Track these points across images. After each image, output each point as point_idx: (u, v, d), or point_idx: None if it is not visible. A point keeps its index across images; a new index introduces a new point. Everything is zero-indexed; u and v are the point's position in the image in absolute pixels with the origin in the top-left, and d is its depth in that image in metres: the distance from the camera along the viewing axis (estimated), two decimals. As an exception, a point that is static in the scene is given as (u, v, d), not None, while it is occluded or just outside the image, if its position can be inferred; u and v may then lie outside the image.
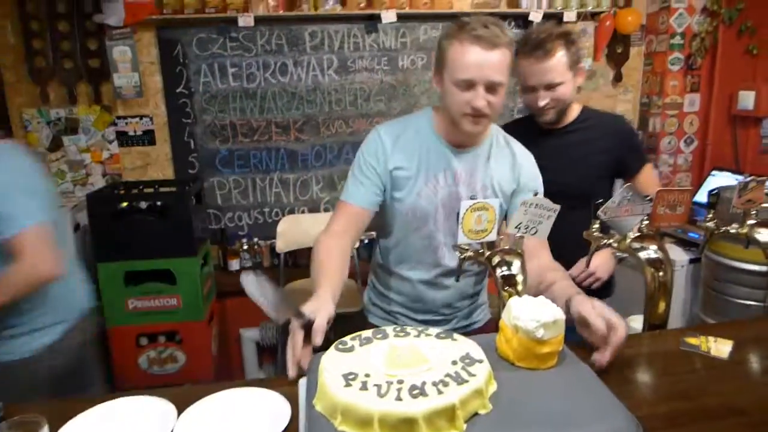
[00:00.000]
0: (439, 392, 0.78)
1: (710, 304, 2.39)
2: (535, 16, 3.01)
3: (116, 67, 2.69)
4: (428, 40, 3.01)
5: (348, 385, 0.81)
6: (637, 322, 1.45)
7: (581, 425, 0.78)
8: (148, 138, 2.90)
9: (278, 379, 1.05)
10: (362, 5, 2.82)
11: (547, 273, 1.32)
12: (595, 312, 1.07)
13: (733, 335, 1.23)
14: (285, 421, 0.92)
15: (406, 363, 0.85)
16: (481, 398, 0.81)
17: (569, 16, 3.03)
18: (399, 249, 1.48)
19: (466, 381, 0.80)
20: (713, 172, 3.11)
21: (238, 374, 3.03)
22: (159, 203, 2.47)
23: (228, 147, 2.95)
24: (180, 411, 0.96)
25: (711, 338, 1.22)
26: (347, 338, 0.97)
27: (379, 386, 0.80)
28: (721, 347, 1.19)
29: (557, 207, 1.19)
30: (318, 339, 1.02)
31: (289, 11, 2.77)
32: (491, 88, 1.26)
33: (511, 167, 1.45)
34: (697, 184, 3.19)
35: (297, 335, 1.02)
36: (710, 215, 1.48)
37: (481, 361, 0.87)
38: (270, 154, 2.98)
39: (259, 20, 2.75)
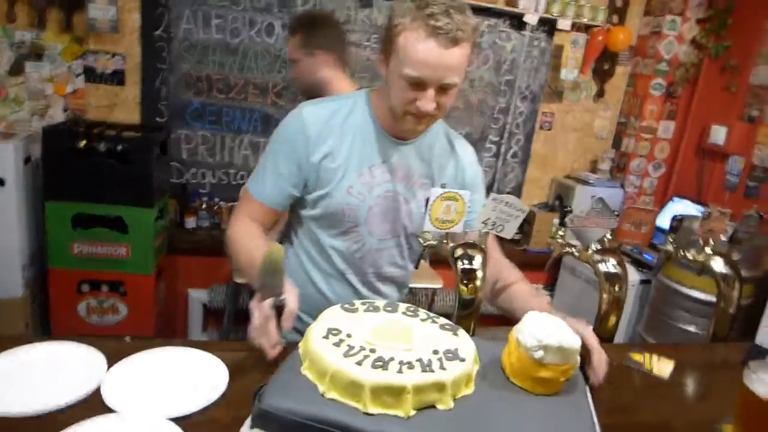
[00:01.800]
0: (399, 371, 0.77)
1: (653, 325, 2.46)
2: (531, 19, 3.00)
3: (93, -2, 2.54)
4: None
5: (326, 337, 0.85)
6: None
7: None
8: (117, 78, 2.76)
9: (220, 344, 1.01)
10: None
11: (503, 270, 1.32)
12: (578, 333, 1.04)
13: (676, 357, 1.26)
14: (222, 388, 0.89)
15: (389, 337, 0.86)
16: (441, 393, 0.79)
17: (564, 24, 3.03)
18: (317, 257, 1.30)
19: (432, 371, 0.79)
20: (674, 199, 3.20)
21: (180, 334, 2.96)
22: (120, 147, 2.34)
23: (201, 100, 2.84)
24: (111, 364, 0.91)
25: (654, 357, 1.25)
26: (358, 302, 0.99)
27: (351, 347, 0.82)
28: (663, 367, 1.21)
29: (526, 209, 1.18)
30: (288, 323, 0.95)
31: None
32: (443, 89, 1.10)
33: (455, 167, 1.33)
34: (659, 207, 3.27)
35: (272, 319, 0.94)
36: (670, 239, 1.51)
37: (462, 360, 0.84)
38: (244, 114, 2.89)
39: (252, -26, 2.64)
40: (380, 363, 0.79)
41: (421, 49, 1.05)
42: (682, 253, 1.46)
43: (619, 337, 2.64)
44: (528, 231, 3.31)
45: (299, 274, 1.32)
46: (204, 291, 2.92)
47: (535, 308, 1.06)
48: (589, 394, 0.94)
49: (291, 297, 0.96)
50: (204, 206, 2.91)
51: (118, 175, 2.32)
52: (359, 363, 0.79)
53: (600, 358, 1.02)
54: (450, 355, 0.84)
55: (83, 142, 2.32)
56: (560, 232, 1.37)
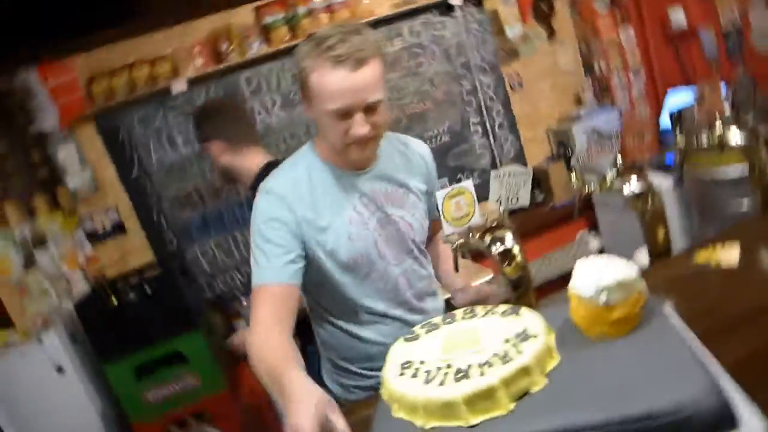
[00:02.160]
0: (482, 374, 0.77)
1: (706, 221, 2.40)
2: (455, 0, 3.04)
3: (66, 170, 2.65)
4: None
5: (402, 374, 0.85)
6: (643, 255, 1.44)
7: (641, 399, 0.70)
8: (118, 229, 2.85)
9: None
10: (286, 39, 2.83)
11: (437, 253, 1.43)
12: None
13: (737, 239, 1.23)
14: None
15: (458, 347, 0.87)
16: (528, 376, 0.78)
17: (486, -12, 3.07)
18: (356, 317, 1.28)
19: (511, 360, 0.78)
20: (669, 93, 3.15)
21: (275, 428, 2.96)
22: (147, 289, 2.42)
23: (199, 213, 2.91)
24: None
25: (717, 250, 1.22)
26: (417, 327, 1.00)
27: (428, 372, 0.83)
28: (729, 255, 1.18)
29: (529, 169, 1.19)
30: None
31: (218, 65, 2.76)
32: (370, 108, 1.11)
33: (418, 167, 1.35)
34: (658, 110, 3.22)
35: None
36: (678, 135, 1.49)
37: (535, 336, 0.84)
38: (242, 208, 2.95)
39: (191, 83, 2.73)
40: (461, 374, 0.79)
41: (332, 81, 1.08)
42: (696, 144, 1.43)
43: (682, 246, 2.58)
44: (547, 188, 3.27)
45: (347, 342, 1.31)
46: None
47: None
48: (670, 311, 0.92)
49: (335, 417, 0.84)
50: (244, 304, 2.95)
51: (155, 314, 2.38)
52: (442, 383, 0.79)
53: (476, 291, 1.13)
54: (521, 336, 0.84)
55: (113, 301, 2.39)
56: (572, 176, 1.37)
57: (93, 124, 2.72)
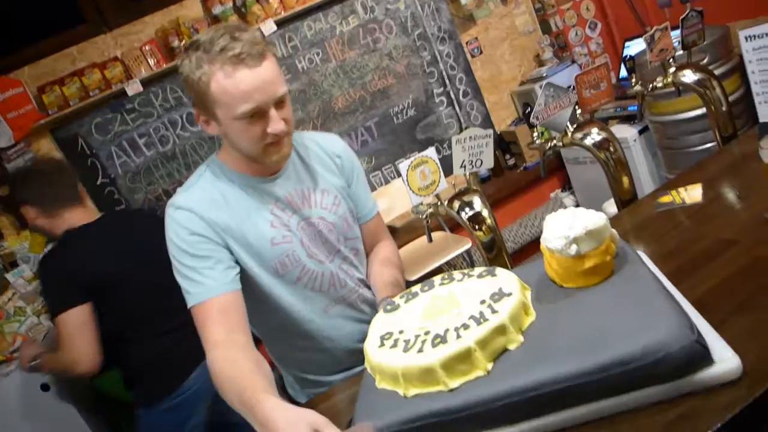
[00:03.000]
0: (458, 337, 0.78)
1: (672, 164, 2.44)
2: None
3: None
4: (316, 34, 2.98)
5: (381, 345, 0.86)
6: (611, 206, 1.46)
7: (614, 345, 0.70)
8: (90, 240, 2.79)
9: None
10: (239, 27, 2.76)
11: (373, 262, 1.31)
12: None
13: (700, 177, 1.25)
14: None
15: (438, 312, 0.88)
16: (504, 335, 0.78)
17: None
18: (301, 326, 1.21)
19: (487, 320, 0.79)
20: (626, 44, 3.17)
21: None
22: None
23: (171, 215, 2.87)
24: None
25: (681, 189, 1.24)
26: (396, 298, 1.00)
27: (407, 341, 0.83)
28: (692, 193, 1.20)
29: (490, 131, 1.19)
30: None
31: (171, 62, 2.69)
32: (280, 102, 1.06)
33: (332, 163, 1.26)
34: (618, 61, 3.25)
35: None
36: (634, 80, 1.50)
37: (509, 295, 0.83)
38: (214, 203, 2.91)
39: (146, 82, 2.66)
40: (439, 339, 0.79)
41: (238, 81, 1.00)
42: (651, 87, 1.45)
43: (649, 190, 2.63)
44: (517, 150, 3.30)
45: (303, 356, 1.26)
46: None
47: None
48: (642, 255, 0.94)
49: (330, 430, 0.76)
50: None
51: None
52: (421, 350, 0.79)
53: None
54: (496, 296, 0.84)
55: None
56: (534, 134, 1.37)
57: (49, 136, 2.65)
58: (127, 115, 2.72)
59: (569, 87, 1.31)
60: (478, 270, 0.96)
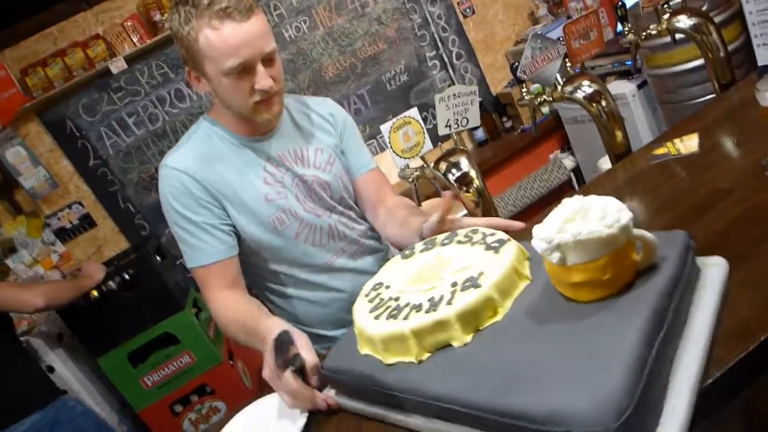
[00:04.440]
0: (405, 318, 0.76)
1: (672, 117, 2.37)
2: (391, -71, 2.89)
3: (18, 171, 2.55)
4: (303, 1, 2.89)
5: (367, 294, 0.88)
6: (606, 162, 1.42)
7: (527, 393, 0.59)
8: (87, 222, 2.78)
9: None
10: None
11: (396, 211, 1.21)
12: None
13: (695, 128, 1.21)
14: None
15: (420, 281, 0.83)
16: (448, 331, 0.73)
17: None
18: (289, 272, 1.22)
19: (434, 311, 0.73)
20: (623, -4, 3.07)
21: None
22: (126, 276, 2.37)
23: (166, 193, 2.84)
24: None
25: (676, 140, 1.19)
26: (418, 244, 0.95)
27: (380, 301, 0.83)
28: (688, 143, 1.16)
29: (474, 87, 1.14)
30: (316, 380, 0.89)
31: (154, 37, 2.63)
32: (268, 59, 1.04)
33: (325, 123, 1.25)
34: (614, 15, 3.14)
35: (300, 387, 0.87)
36: (627, 29, 1.44)
37: (477, 287, 0.74)
38: (208, 180, 2.88)
39: (130, 60, 2.61)
40: (395, 312, 0.77)
41: (225, 35, 1.00)
42: (645, 35, 1.38)
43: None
44: (514, 112, 3.23)
45: (302, 308, 1.26)
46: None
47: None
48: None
49: (305, 350, 0.90)
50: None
51: (138, 299, 2.35)
52: (377, 317, 0.79)
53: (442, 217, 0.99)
54: (467, 284, 0.75)
55: (94, 293, 2.35)
56: (523, 90, 1.32)
57: (36, 120, 2.61)
58: (113, 94, 2.68)
59: (558, 38, 1.26)
60: (491, 238, 0.85)
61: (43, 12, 2.58)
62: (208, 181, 1.10)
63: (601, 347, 0.59)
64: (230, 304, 1.08)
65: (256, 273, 1.23)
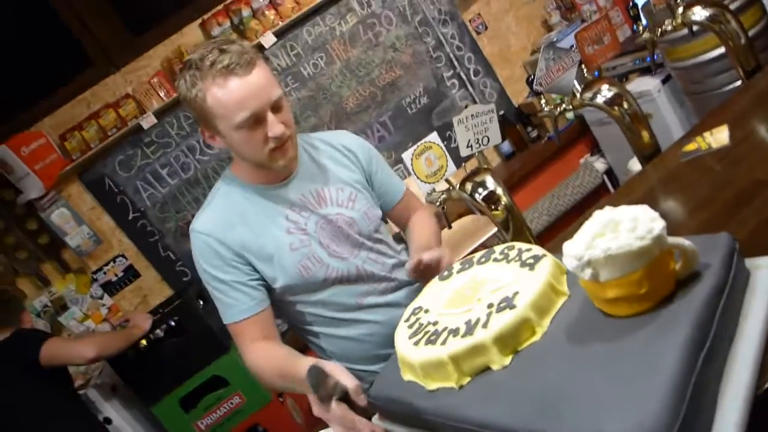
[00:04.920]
0: (443, 343, 0.75)
1: (701, 109, 2.31)
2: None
3: (63, 231, 2.66)
4: (317, 38, 2.96)
5: (407, 320, 0.88)
6: (636, 164, 1.39)
7: (559, 423, 0.58)
8: (131, 274, 2.87)
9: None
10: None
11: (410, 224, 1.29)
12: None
13: (724, 119, 1.17)
14: None
15: (458, 303, 0.83)
16: (486, 355, 0.72)
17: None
18: (323, 314, 1.23)
19: (470, 335, 0.73)
20: (636, -6, 3.04)
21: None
22: (172, 323, 2.44)
23: (204, 238, 2.91)
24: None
25: (706, 134, 1.16)
26: (456, 263, 0.96)
27: (420, 326, 0.83)
28: (718, 136, 1.13)
29: (491, 105, 1.14)
30: (362, 400, 0.89)
31: (180, 89, 2.73)
32: (276, 107, 1.08)
33: (344, 158, 1.26)
34: (627, 13, 3.10)
35: (348, 413, 0.88)
36: (641, 28, 1.41)
37: (513, 308, 0.73)
38: (243, 221, 2.94)
39: (159, 114, 2.71)
40: (433, 337, 0.77)
41: (231, 91, 1.03)
42: (660, 32, 1.36)
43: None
44: (538, 122, 3.20)
45: (342, 345, 1.27)
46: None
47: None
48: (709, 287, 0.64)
49: (343, 376, 0.90)
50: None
51: (185, 344, 2.40)
52: (416, 344, 0.79)
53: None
54: (503, 305, 0.74)
55: (143, 343, 2.41)
56: (542, 101, 1.31)
57: (77, 180, 2.73)
58: (146, 148, 2.78)
59: (571, 47, 1.25)
60: (527, 254, 0.83)
61: (76, 79, 2.72)
62: (232, 242, 1.14)
63: (642, 367, 0.57)
64: (264, 353, 1.11)
65: (291, 314, 1.25)
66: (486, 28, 3.27)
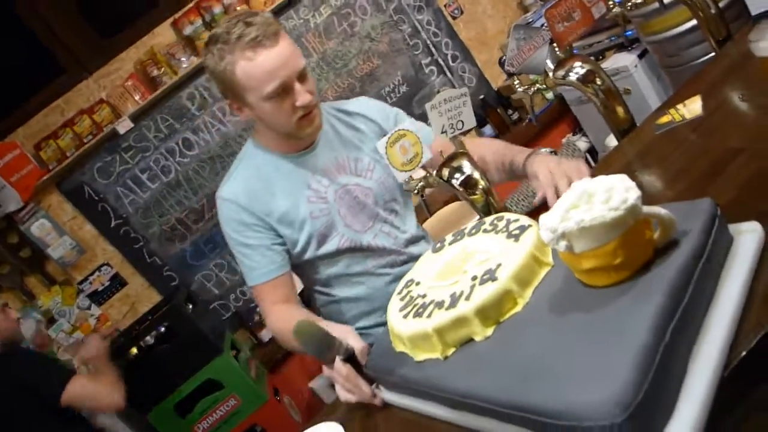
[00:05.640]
0: (429, 315, 0.77)
1: (678, 81, 2.31)
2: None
3: (45, 243, 2.63)
4: (291, 31, 2.92)
5: (400, 292, 0.90)
6: (613, 140, 1.38)
7: (539, 391, 0.59)
8: (118, 281, 2.84)
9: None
10: (213, 42, 2.74)
11: (499, 152, 1.24)
12: (549, 173, 1.03)
13: (697, 90, 1.17)
14: None
15: (447, 275, 0.84)
16: (469, 326, 0.73)
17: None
18: (336, 278, 1.32)
19: (453, 307, 0.74)
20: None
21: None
22: (162, 329, 2.41)
23: (190, 241, 2.89)
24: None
25: (679, 106, 1.15)
26: (448, 236, 0.97)
27: (411, 299, 0.84)
28: (691, 107, 1.12)
29: (464, 89, 1.13)
30: (365, 359, 0.94)
31: (155, 92, 2.69)
32: (302, 76, 1.12)
33: (363, 125, 1.32)
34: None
35: (352, 373, 0.91)
36: (611, 3, 1.41)
37: (494, 280, 0.73)
38: (228, 222, 2.92)
39: (135, 117, 2.68)
40: (421, 310, 0.79)
41: (260, 63, 1.07)
42: (630, 6, 1.35)
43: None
44: (518, 104, 3.19)
45: (357, 308, 1.35)
46: (323, 376, 2.93)
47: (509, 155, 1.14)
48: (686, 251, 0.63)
49: (351, 338, 0.95)
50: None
51: (177, 350, 2.38)
52: (405, 316, 0.81)
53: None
54: (486, 277, 0.75)
55: (133, 351, 2.39)
56: (516, 83, 1.30)
57: (55, 191, 2.69)
58: (124, 153, 2.75)
59: (541, 25, 1.24)
60: (514, 224, 0.83)
61: (48, 87, 2.68)
62: (256, 208, 1.21)
63: (614, 337, 0.57)
64: (283, 315, 1.18)
65: (305, 276, 1.35)
66: (462, 12, 3.25)
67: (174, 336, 2.39)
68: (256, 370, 2.63)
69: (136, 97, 2.70)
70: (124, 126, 2.63)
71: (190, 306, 2.59)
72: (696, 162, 0.97)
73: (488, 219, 0.91)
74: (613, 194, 0.62)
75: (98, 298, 2.81)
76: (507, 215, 0.88)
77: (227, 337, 2.68)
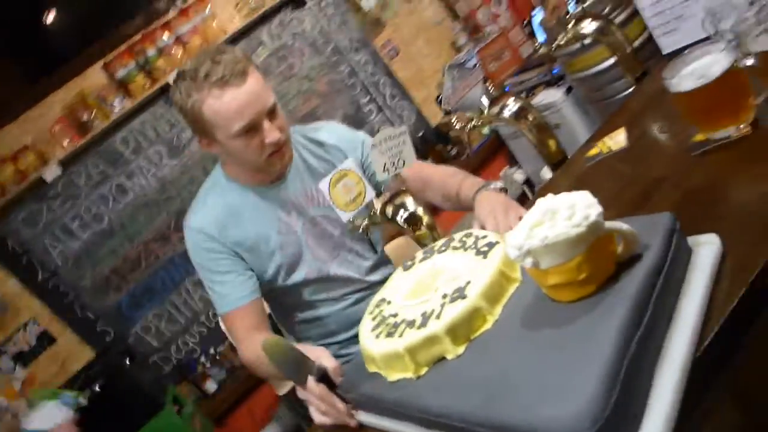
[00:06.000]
0: (400, 335, 0.77)
1: (604, 114, 2.45)
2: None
3: (-37, 302, 2.42)
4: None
5: (371, 312, 0.90)
6: (548, 172, 1.44)
7: (509, 407, 0.59)
8: (46, 339, 2.64)
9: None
10: (147, 86, 2.69)
11: (447, 181, 1.27)
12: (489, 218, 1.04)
13: (621, 122, 1.24)
14: None
15: (418, 293, 0.84)
16: (440, 344, 0.73)
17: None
18: (303, 308, 1.35)
19: (423, 327, 0.74)
20: (533, 12, 3.21)
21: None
22: (97, 389, 2.26)
23: (126, 291, 2.74)
24: None
25: (605, 138, 1.22)
26: (419, 253, 0.97)
27: (382, 319, 0.84)
28: (617, 139, 1.19)
29: (403, 128, 1.15)
30: (339, 378, 0.92)
31: (85, 136, 2.59)
32: (271, 113, 1.13)
33: (325, 155, 1.32)
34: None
35: (326, 392, 0.88)
36: (536, 45, 1.49)
37: (464, 298, 0.74)
38: (167, 269, 2.80)
39: (65, 163, 2.56)
40: (392, 330, 0.79)
41: (227, 102, 1.07)
42: (554, 46, 1.44)
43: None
44: (457, 140, 3.29)
45: (325, 332, 1.38)
46: (273, 425, 2.82)
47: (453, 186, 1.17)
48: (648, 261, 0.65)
49: (324, 357, 0.94)
50: (208, 365, 2.82)
51: (115, 409, 2.23)
52: (378, 336, 0.81)
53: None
54: (456, 295, 0.76)
55: (65, 413, 2.21)
56: (453, 120, 1.34)
57: (-26, 244, 2.50)
58: (52, 201, 2.60)
59: (474, 65, 1.29)
60: (482, 241, 0.85)
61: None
62: (226, 238, 1.21)
63: (581, 352, 0.58)
64: (255, 343, 1.11)
65: (273, 303, 1.37)
66: (397, 53, 3.35)
67: (111, 395, 2.24)
68: (201, 424, 2.49)
69: (65, 142, 2.59)
70: (51, 172, 2.50)
71: (128, 360, 2.44)
72: (626, 190, 1.02)
73: (457, 236, 0.93)
74: (575, 211, 0.64)
75: (24, 359, 2.60)
76: (476, 231, 0.91)
77: (170, 391, 2.53)
